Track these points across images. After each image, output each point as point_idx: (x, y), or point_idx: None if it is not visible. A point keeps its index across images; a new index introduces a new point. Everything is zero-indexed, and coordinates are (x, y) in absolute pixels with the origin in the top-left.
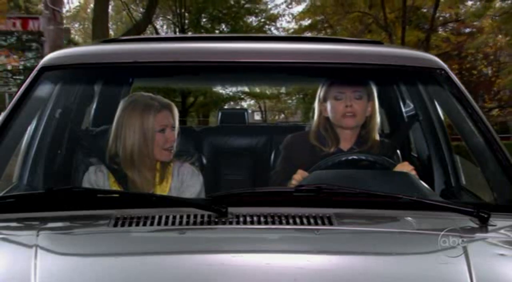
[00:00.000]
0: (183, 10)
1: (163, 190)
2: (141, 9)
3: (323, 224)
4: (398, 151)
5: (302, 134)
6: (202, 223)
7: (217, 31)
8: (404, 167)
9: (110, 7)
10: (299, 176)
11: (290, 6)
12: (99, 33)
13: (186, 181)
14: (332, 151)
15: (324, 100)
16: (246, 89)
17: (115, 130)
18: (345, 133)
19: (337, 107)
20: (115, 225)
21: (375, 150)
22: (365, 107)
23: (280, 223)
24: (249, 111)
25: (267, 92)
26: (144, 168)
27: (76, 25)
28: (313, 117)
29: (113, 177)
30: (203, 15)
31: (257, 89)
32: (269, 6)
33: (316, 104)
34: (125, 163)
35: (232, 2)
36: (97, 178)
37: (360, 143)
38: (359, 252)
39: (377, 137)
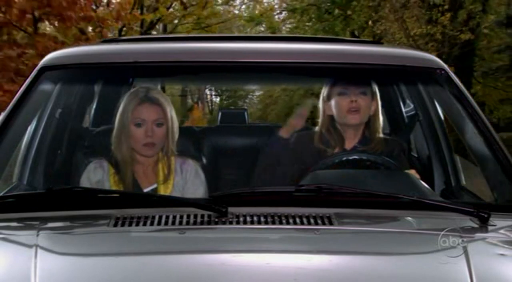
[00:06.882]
0: None
1: (166, 186)
2: None
3: (323, 224)
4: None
5: (309, 133)
6: (202, 223)
7: None
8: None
9: None
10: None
11: None
12: None
13: (190, 180)
14: (336, 151)
15: (328, 99)
16: None
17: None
18: (349, 132)
19: (342, 102)
20: (115, 225)
21: (379, 149)
22: (369, 104)
23: (280, 223)
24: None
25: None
26: (138, 163)
27: None
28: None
29: (113, 172)
30: None
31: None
32: None
33: (320, 104)
34: (122, 158)
35: None
36: (95, 175)
37: (364, 142)
38: (359, 252)
39: (381, 136)
